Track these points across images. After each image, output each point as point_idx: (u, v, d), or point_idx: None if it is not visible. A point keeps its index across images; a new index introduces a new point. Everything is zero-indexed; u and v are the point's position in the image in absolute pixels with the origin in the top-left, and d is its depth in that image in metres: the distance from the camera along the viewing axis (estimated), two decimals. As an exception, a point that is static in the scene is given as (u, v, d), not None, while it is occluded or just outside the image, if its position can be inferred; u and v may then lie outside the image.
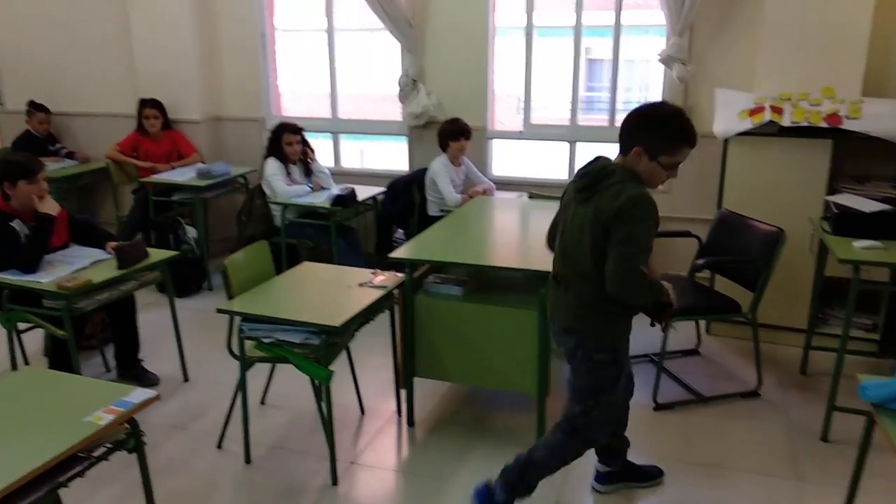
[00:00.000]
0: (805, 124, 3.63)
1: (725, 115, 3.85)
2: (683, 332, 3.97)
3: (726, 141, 3.86)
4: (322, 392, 2.76)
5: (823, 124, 3.61)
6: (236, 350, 2.83)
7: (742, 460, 2.94)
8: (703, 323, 4.13)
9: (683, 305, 3.39)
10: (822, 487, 2.32)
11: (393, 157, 5.63)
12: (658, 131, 2.20)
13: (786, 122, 3.66)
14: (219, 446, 3.05)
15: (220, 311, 2.75)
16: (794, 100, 3.75)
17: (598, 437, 2.54)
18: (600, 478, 2.78)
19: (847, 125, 3.56)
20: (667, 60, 4.32)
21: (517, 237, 3.74)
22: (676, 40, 4.23)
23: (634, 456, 3.02)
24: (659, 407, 3.36)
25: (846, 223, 3.17)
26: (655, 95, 4.75)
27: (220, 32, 5.53)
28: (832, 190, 3.66)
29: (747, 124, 3.72)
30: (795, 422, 3.23)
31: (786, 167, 3.75)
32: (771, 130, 3.71)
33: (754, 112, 3.73)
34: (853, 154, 3.84)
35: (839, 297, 3.68)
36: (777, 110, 3.70)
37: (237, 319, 2.77)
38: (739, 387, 3.53)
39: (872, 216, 3.18)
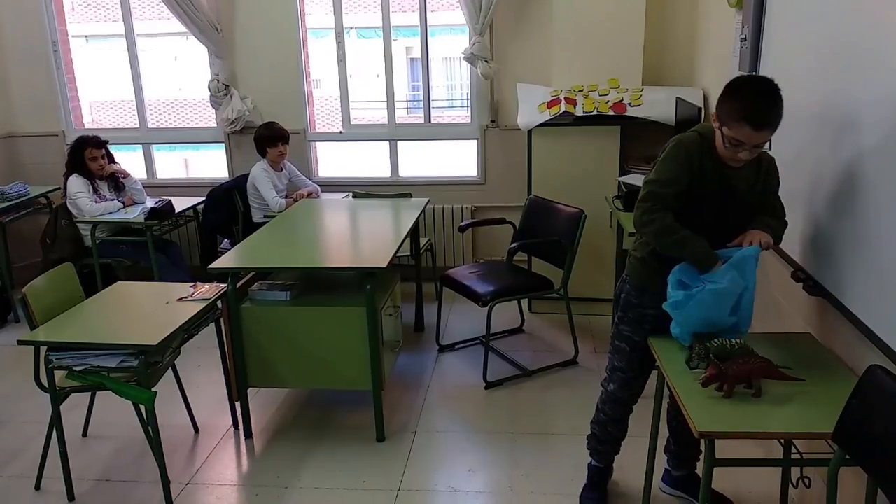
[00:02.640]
0: (595, 113, 4.00)
1: (527, 108, 4.14)
2: (508, 313, 4.22)
3: (530, 132, 4.15)
4: (147, 415, 2.65)
5: (611, 112, 3.99)
6: (46, 383, 2.64)
7: (564, 425, 3.19)
8: (525, 302, 4.41)
9: (503, 287, 3.65)
10: (635, 439, 2.59)
11: (217, 165, 5.46)
12: (726, 98, 2.07)
13: (579, 112, 4.01)
14: (37, 488, 2.84)
15: (21, 342, 2.56)
16: (585, 91, 4.12)
17: (612, 411, 2.52)
18: (667, 478, 2.73)
19: (631, 112, 3.97)
20: (471, 59, 4.55)
21: (344, 237, 3.79)
22: (478, 39, 4.47)
23: (468, 432, 3.20)
24: (489, 385, 3.56)
25: (634, 200, 3.51)
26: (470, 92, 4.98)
27: (3, 42, 5.07)
28: (623, 171, 4.05)
29: (546, 116, 4.03)
30: (609, 383, 3.56)
31: (583, 153, 4.11)
32: (567, 120, 4.05)
33: (551, 104, 4.04)
34: (639, 137, 4.27)
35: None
36: (571, 101, 4.03)
37: (44, 349, 2.59)
38: (560, 357, 3.82)
39: (655, 192, 3.56)
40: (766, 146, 2.15)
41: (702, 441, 1.85)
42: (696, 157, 2.13)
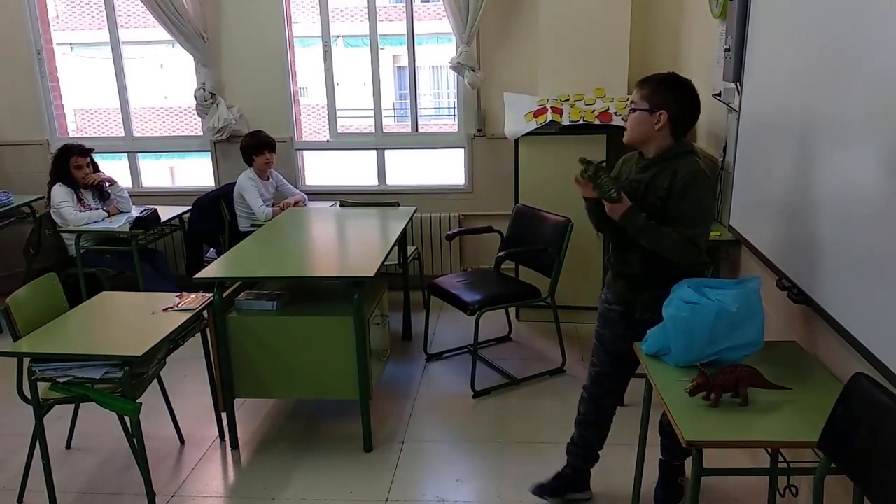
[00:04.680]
0: (582, 122, 4.02)
1: (513, 117, 4.15)
2: (496, 321, 4.22)
3: (517, 141, 4.16)
4: (132, 426, 2.63)
5: (597, 121, 4.02)
6: (29, 394, 2.61)
7: (551, 433, 3.18)
8: (512, 311, 4.42)
9: (490, 295, 3.64)
10: (620, 447, 2.60)
11: (203, 173, 5.44)
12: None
13: (565, 121, 4.03)
14: (20, 501, 2.80)
15: (3, 354, 2.53)
16: (571, 100, 4.14)
17: (585, 409, 2.63)
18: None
19: (616, 121, 3.99)
20: (458, 68, 4.57)
21: (331, 246, 3.78)
22: (465, 48, 4.49)
23: (455, 442, 3.19)
24: (477, 394, 3.55)
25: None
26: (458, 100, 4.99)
27: (-14, 51, 5.05)
28: (610, 180, 4.06)
29: (533, 125, 4.05)
30: (596, 391, 3.56)
31: (569, 162, 4.05)
32: (553, 129, 4.07)
33: (538, 113, 4.06)
34: (625, 146, 4.28)
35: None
36: (557, 111, 4.06)
37: (27, 361, 2.56)
38: (548, 366, 3.83)
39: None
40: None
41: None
42: None
